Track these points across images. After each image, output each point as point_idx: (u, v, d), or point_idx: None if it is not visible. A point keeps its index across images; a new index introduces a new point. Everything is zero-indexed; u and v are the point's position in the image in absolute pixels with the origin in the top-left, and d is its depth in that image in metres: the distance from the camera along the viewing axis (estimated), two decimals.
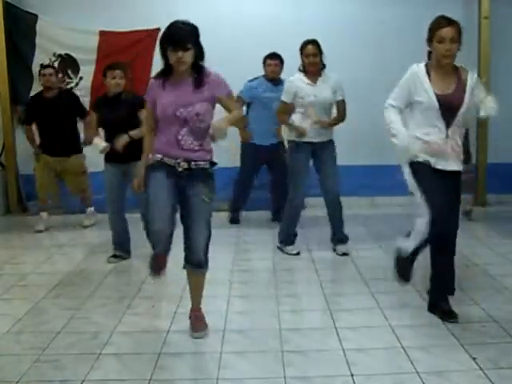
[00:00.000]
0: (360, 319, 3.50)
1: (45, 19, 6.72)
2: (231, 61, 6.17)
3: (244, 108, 5.97)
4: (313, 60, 4.75)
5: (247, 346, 3.20)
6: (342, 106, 4.94)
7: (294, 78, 4.87)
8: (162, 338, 3.29)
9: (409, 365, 2.90)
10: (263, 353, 3.10)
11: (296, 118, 4.85)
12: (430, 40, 3.35)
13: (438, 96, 3.31)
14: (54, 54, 6.73)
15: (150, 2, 6.58)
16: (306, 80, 4.80)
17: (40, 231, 6.03)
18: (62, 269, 4.70)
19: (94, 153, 4.89)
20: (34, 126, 6.11)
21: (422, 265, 3.62)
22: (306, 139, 4.79)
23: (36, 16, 6.72)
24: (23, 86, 6.78)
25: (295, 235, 5.08)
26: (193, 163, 3.19)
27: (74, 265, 4.82)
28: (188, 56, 3.09)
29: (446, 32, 3.26)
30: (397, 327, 3.35)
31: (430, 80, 3.34)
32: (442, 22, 3.30)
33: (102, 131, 4.89)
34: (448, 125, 3.34)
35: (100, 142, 4.72)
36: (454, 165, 3.42)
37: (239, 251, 5.17)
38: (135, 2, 6.62)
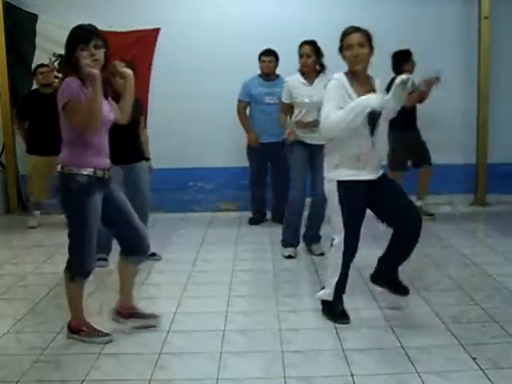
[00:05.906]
0: (360, 319, 3.50)
1: (45, 19, 6.73)
2: (231, 61, 6.18)
3: (248, 109, 6.06)
4: (305, 60, 4.69)
5: (247, 346, 3.20)
6: None
7: (290, 78, 4.86)
8: (161, 338, 3.28)
9: (409, 365, 2.90)
10: (263, 353, 3.10)
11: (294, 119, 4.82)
12: (341, 50, 3.34)
13: None
14: (54, 54, 6.71)
15: (150, 2, 6.57)
16: (302, 80, 4.75)
17: (33, 227, 6.15)
18: (62, 269, 4.68)
19: None
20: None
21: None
22: (302, 140, 4.75)
23: (36, 16, 6.72)
24: (23, 86, 6.77)
25: (293, 237, 4.94)
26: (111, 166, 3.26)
27: None
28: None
29: (352, 38, 3.28)
30: (397, 327, 3.36)
31: (352, 88, 3.29)
32: (348, 29, 3.33)
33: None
34: (372, 133, 3.30)
35: None
36: (374, 174, 3.39)
37: (239, 251, 5.17)
38: (135, 2, 6.61)
